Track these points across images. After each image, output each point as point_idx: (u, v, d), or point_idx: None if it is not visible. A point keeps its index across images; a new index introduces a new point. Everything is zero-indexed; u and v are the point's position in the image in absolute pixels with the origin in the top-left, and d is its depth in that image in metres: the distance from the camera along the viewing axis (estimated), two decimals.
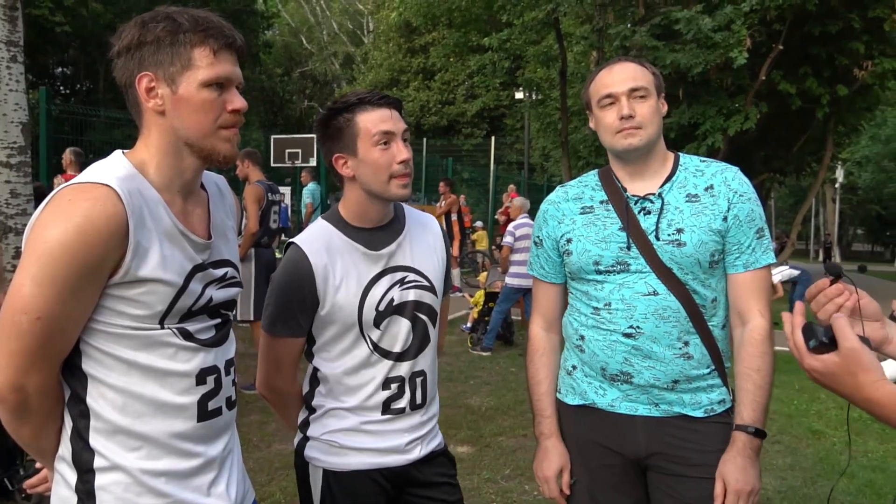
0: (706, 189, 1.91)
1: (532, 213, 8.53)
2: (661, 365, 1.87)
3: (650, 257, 1.87)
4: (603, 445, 1.96)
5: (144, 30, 1.32)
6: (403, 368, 1.89)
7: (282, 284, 1.84)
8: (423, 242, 1.98)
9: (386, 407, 1.88)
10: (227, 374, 1.49)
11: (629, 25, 11.33)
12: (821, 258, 34.84)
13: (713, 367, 1.91)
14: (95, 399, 1.33)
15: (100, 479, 1.34)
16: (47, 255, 1.21)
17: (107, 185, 1.25)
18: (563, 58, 13.35)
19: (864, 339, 1.26)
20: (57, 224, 1.21)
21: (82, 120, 11.42)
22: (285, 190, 11.97)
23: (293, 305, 1.83)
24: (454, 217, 13.37)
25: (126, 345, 1.32)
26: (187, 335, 1.39)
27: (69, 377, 1.34)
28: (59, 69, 25.53)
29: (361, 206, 1.87)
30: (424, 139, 22.90)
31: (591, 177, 2.07)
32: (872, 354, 1.25)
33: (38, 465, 1.52)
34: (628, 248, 1.89)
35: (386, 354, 1.87)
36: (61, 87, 25.09)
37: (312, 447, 1.92)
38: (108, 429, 1.34)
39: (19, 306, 1.22)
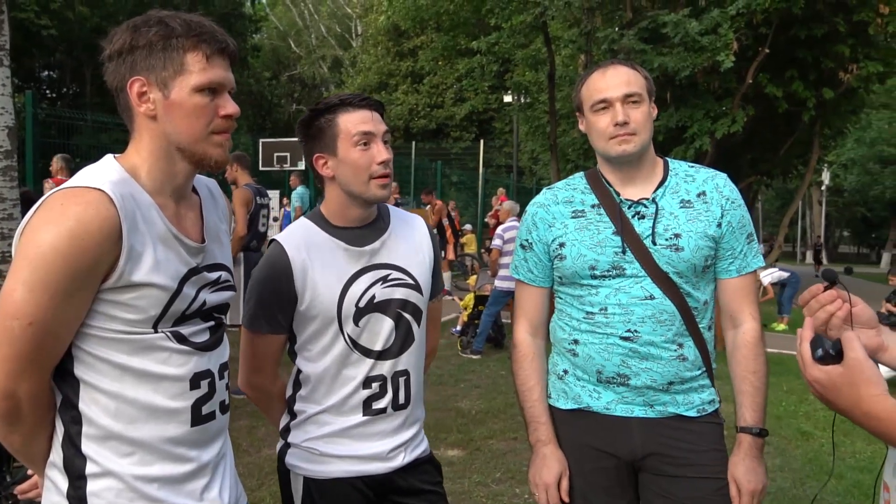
0: (698, 195, 1.93)
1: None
2: (658, 367, 1.88)
3: (646, 262, 1.88)
4: (598, 448, 1.96)
5: (137, 34, 1.32)
6: (385, 367, 1.87)
7: (260, 280, 1.84)
8: (408, 241, 1.97)
9: (367, 407, 1.86)
10: (221, 377, 1.49)
11: (617, 29, 11.39)
12: (808, 260, 35.06)
13: (704, 369, 1.93)
14: (88, 404, 1.32)
15: (91, 486, 1.33)
16: (39, 259, 1.20)
17: (99, 189, 1.25)
18: (551, 61, 13.39)
19: None
20: (49, 228, 1.20)
21: (69, 124, 11.34)
22: (273, 193, 11.94)
23: (272, 301, 1.83)
24: (445, 221, 13.38)
25: (119, 349, 1.31)
26: (181, 339, 1.38)
27: (61, 383, 1.33)
28: (46, 73, 25.36)
29: (342, 207, 1.87)
30: (413, 142, 22.89)
31: (579, 179, 2.06)
32: (878, 369, 1.23)
33: (29, 471, 1.51)
34: (623, 252, 1.89)
35: (366, 353, 1.86)
36: (47, 91, 24.91)
37: (293, 454, 1.91)
38: (101, 434, 1.33)
39: (11, 312, 1.21)
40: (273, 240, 1.87)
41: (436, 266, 2.04)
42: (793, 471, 4.71)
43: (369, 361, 1.86)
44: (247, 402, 5.31)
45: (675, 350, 1.88)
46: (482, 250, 16.32)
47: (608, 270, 1.90)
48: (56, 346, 1.27)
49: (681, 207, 1.91)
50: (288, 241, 1.84)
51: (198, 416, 1.42)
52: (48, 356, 1.27)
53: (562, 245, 1.97)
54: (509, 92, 19.85)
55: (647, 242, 1.88)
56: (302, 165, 13.15)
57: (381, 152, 1.80)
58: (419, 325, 1.95)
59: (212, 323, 1.47)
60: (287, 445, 1.93)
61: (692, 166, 2.02)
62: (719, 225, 1.90)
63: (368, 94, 1.96)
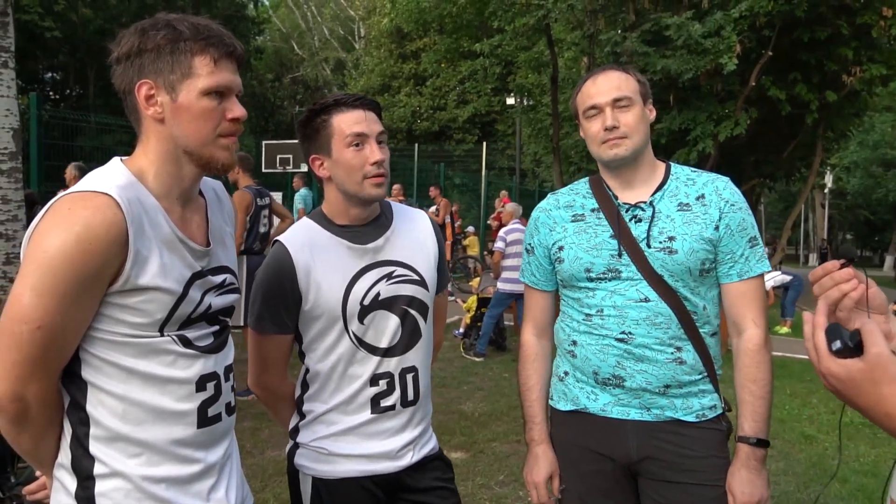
0: (697, 198, 1.92)
1: (523, 219, 8.56)
2: (653, 369, 1.88)
3: (641, 264, 1.88)
4: (595, 451, 1.97)
5: (144, 37, 1.32)
6: (392, 364, 1.87)
7: (264, 281, 1.85)
8: (412, 237, 1.97)
9: (375, 404, 1.86)
10: (227, 380, 1.50)
11: (620, 31, 11.37)
12: (811, 263, 34.98)
13: (705, 374, 1.92)
14: (95, 406, 1.33)
15: (100, 486, 1.33)
16: (47, 264, 1.21)
17: (106, 194, 1.25)
18: (554, 63, 13.39)
19: None
20: (57, 233, 1.21)
21: (73, 125, 11.34)
22: (276, 195, 11.93)
23: (277, 302, 1.83)
24: (447, 220, 13.40)
25: (126, 352, 1.32)
26: (187, 342, 1.39)
27: (69, 385, 1.34)
28: (49, 74, 25.43)
29: (342, 206, 1.88)
30: (416, 145, 22.89)
31: (583, 184, 2.08)
32: None
33: (37, 472, 1.52)
34: (619, 255, 1.90)
35: (372, 350, 1.86)
36: (51, 93, 24.97)
37: (302, 455, 1.91)
38: (108, 436, 1.34)
39: (19, 316, 1.22)
40: (276, 240, 1.88)
41: (440, 260, 2.04)
42: (796, 474, 4.70)
43: (375, 359, 1.86)
44: (251, 405, 5.34)
45: (672, 353, 1.88)
46: (485, 252, 16.32)
47: (604, 273, 1.91)
48: (64, 349, 1.28)
49: (678, 210, 1.91)
50: (291, 242, 1.84)
51: (204, 418, 1.42)
52: (56, 359, 1.28)
53: (561, 248, 2.00)
54: (512, 94, 19.83)
55: (643, 245, 1.88)
56: (304, 167, 13.16)
57: (374, 153, 1.80)
58: (426, 320, 1.94)
59: (217, 326, 1.48)
60: (296, 446, 1.93)
61: (695, 171, 2.01)
62: (717, 228, 1.88)
63: (371, 96, 1.96)
